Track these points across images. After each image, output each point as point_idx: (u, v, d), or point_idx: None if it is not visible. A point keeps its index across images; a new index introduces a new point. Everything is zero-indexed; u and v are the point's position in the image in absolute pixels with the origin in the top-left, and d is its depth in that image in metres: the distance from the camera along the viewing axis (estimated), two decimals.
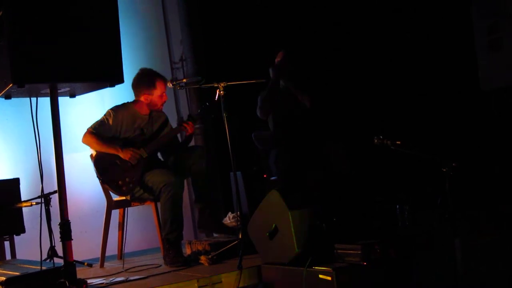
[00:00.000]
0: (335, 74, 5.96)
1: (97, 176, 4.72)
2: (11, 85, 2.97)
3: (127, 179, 4.65)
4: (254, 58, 5.71)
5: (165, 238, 4.52)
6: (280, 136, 4.98)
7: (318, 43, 6.04)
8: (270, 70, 4.98)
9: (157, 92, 4.80)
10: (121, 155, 4.64)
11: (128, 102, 4.90)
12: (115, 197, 5.00)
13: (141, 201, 4.87)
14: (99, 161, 4.71)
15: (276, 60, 5.07)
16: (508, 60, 5.03)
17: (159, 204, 4.85)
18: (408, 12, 5.71)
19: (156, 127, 4.94)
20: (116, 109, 4.80)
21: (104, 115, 4.79)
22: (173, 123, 6.10)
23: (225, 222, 4.94)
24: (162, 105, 4.87)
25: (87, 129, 4.73)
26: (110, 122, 4.72)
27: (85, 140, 4.72)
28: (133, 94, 4.94)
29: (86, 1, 3.17)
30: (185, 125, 4.79)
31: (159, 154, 5.00)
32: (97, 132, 4.70)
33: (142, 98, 4.83)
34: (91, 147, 4.75)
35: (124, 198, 4.96)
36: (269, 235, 3.92)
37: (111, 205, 4.93)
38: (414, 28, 5.70)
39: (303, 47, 5.94)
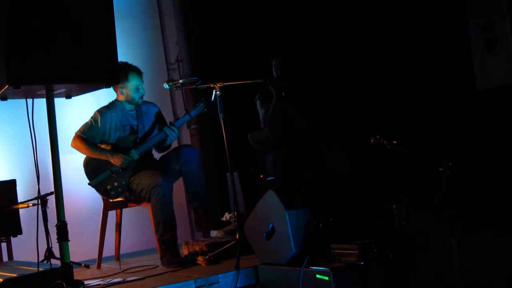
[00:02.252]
0: (332, 72, 5.95)
1: (88, 180, 4.72)
2: (7, 86, 2.97)
3: (115, 183, 4.65)
4: (250, 58, 5.70)
5: (160, 240, 4.52)
6: (278, 139, 4.97)
7: (315, 43, 6.03)
8: (270, 86, 4.97)
9: (131, 85, 4.75)
10: (112, 161, 4.64)
11: (113, 101, 4.88)
12: None
13: (137, 202, 4.87)
14: (88, 165, 4.72)
15: (273, 68, 5.05)
16: (503, 59, 5.03)
17: None
18: (404, 12, 5.70)
19: (149, 122, 4.91)
20: (102, 111, 4.79)
21: (91, 117, 4.77)
22: None
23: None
24: (140, 99, 4.80)
25: (76, 133, 4.73)
26: (99, 124, 4.72)
27: (74, 145, 4.73)
28: None
29: (82, 2, 3.17)
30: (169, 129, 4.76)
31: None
32: (86, 137, 4.70)
33: (118, 92, 4.82)
34: (80, 152, 4.75)
35: (120, 199, 4.96)
36: (266, 235, 3.93)
37: (107, 206, 4.93)
38: (410, 27, 5.70)
39: (300, 46, 5.94)
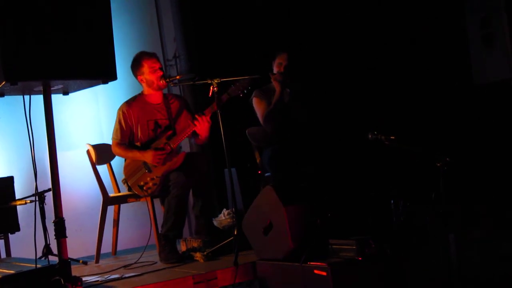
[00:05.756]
0: (331, 68, 5.96)
1: (125, 181, 4.76)
2: (3, 82, 2.97)
3: (148, 178, 4.62)
4: (247, 54, 5.70)
5: (164, 235, 4.52)
6: (277, 134, 4.97)
7: (310, 37, 6.04)
8: (273, 80, 4.97)
9: (146, 69, 4.68)
10: (145, 159, 4.61)
11: (139, 94, 4.81)
12: (111, 193, 5.00)
13: (137, 197, 4.85)
14: (127, 168, 4.73)
15: (278, 63, 5.04)
16: (500, 55, 5.05)
17: (154, 200, 4.85)
18: (402, 8, 5.71)
19: (178, 115, 4.84)
20: (127, 107, 4.72)
21: (117, 117, 4.72)
22: None
23: (220, 219, 4.93)
24: (159, 80, 4.67)
25: (112, 141, 4.74)
26: (123, 124, 4.68)
27: (114, 151, 4.76)
28: (128, 90, 4.92)
29: None
30: (195, 120, 4.59)
31: None
32: (119, 141, 4.69)
33: (141, 83, 4.76)
34: (122, 157, 4.79)
35: (119, 194, 4.96)
36: (264, 231, 3.93)
37: (107, 202, 4.92)
38: (408, 24, 5.71)
39: (297, 42, 5.95)
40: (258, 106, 5.07)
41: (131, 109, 4.70)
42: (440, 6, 5.53)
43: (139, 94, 4.81)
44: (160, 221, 4.67)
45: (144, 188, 4.63)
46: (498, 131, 5.20)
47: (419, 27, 5.66)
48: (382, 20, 5.82)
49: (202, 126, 4.59)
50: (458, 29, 5.39)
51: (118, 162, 5.01)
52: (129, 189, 4.77)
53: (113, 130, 4.74)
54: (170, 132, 4.71)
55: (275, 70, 5.05)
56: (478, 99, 5.32)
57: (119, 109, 4.74)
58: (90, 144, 5.04)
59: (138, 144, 4.71)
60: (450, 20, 5.49)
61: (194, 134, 4.71)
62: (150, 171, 4.62)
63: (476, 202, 4.60)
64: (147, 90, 4.76)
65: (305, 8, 6.05)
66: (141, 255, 4.62)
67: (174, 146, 4.65)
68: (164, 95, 4.83)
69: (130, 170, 4.71)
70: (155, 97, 4.78)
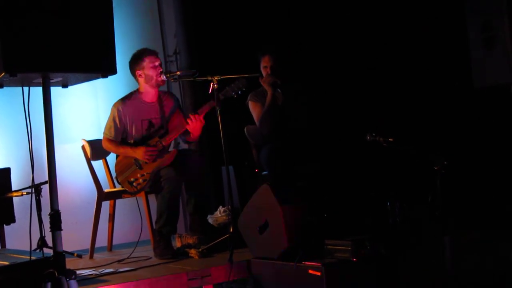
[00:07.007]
0: (329, 69, 5.95)
1: (116, 178, 4.75)
2: (3, 74, 2.96)
3: (138, 175, 4.62)
4: (248, 51, 5.69)
5: (158, 231, 4.52)
6: (272, 136, 4.97)
7: (310, 37, 6.03)
8: (263, 84, 4.98)
9: (147, 64, 4.67)
10: (136, 156, 4.62)
11: (134, 91, 4.80)
12: (106, 189, 4.99)
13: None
14: (118, 164, 4.73)
15: (263, 66, 5.04)
16: (501, 58, 5.03)
17: (150, 196, 4.84)
18: (402, 9, 5.70)
19: (171, 113, 4.83)
20: (122, 105, 4.71)
21: (111, 114, 4.72)
22: None
23: (215, 216, 4.93)
24: (158, 76, 4.67)
25: (103, 135, 4.74)
26: (117, 122, 4.68)
27: (104, 146, 4.75)
28: (128, 85, 4.91)
29: None
30: (189, 119, 4.60)
31: None
32: (111, 138, 4.70)
33: (138, 78, 4.73)
34: (112, 152, 4.80)
35: (114, 190, 4.95)
36: (259, 229, 3.93)
37: (101, 197, 4.92)
38: (408, 25, 5.70)
39: (297, 41, 5.94)
40: (253, 109, 5.08)
41: (126, 108, 4.70)
42: (441, 7, 5.53)
43: (135, 92, 4.80)
44: (154, 216, 4.67)
45: (134, 184, 4.63)
46: (497, 135, 5.19)
47: (419, 29, 5.65)
48: (382, 21, 5.81)
49: (195, 125, 4.59)
50: (459, 31, 5.37)
51: (114, 158, 5.01)
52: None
53: (106, 126, 4.73)
54: (162, 131, 4.72)
55: (263, 73, 5.06)
56: (478, 102, 5.31)
57: (114, 106, 4.73)
58: (85, 140, 5.03)
59: (131, 141, 4.71)
60: (451, 22, 5.48)
61: (186, 132, 4.71)
62: (141, 168, 4.62)
63: (472, 204, 4.60)
64: (143, 87, 4.75)
65: (305, 7, 6.04)
66: (133, 250, 4.62)
67: (166, 144, 4.65)
68: (158, 93, 4.82)
69: (121, 167, 4.70)
70: (151, 95, 4.76)
